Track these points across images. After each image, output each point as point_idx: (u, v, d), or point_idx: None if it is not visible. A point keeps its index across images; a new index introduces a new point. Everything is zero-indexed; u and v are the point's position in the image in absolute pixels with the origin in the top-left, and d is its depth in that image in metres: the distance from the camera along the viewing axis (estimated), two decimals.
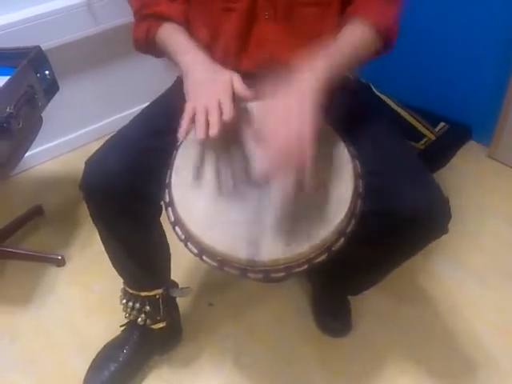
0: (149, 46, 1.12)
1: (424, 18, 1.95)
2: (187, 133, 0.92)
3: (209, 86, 0.95)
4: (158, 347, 1.37)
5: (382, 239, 1.03)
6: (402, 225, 0.98)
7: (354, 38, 1.00)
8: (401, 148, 1.11)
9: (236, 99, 0.94)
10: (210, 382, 1.35)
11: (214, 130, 0.88)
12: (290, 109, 0.86)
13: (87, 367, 1.32)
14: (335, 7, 1.07)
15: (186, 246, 0.92)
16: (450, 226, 1.01)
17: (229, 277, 1.51)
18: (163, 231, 1.20)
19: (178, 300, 1.38)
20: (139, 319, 1.27)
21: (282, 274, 0.89)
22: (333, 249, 0.90)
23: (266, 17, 1.07)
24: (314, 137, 0.83)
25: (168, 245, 1.25)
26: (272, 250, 0.87)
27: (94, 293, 1.56)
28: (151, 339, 1.33)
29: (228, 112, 0.90)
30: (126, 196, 1.02)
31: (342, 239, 0.90)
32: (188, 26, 1.09)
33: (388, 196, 0.98)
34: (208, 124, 0.89)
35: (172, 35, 1.07)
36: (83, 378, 1.30)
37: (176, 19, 1.08)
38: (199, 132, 0.89)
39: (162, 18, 1.09)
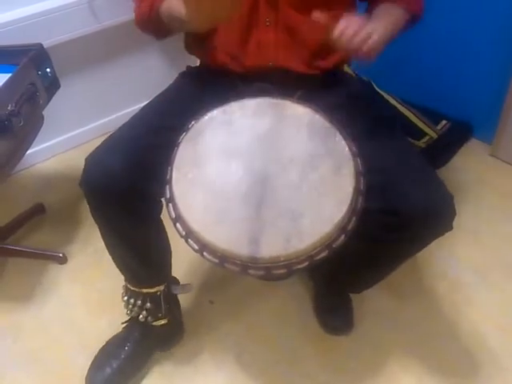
0: (152, 21, 1.09)
1: (425, 16, 1.95)
2: None
3: None
4: (159, 344, 1.37)
5: (387, 237, 1.03)
6: (407, 223, 0.97)
7: (387, 12, 1.05)
8: (404, 146, 1.11)
9: None
10: (211, 379, 1.35)
11: None
12: None
13: (89, 365, 1.32)
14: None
15: (186, 242, 0.92)
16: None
17: (230, 274, 1.53)
18: (164, 228, 1.20)
19: (180, 297, 1.38)
20: (140, 316, 1.27)
21: (282, 271, 0.89)
22: (334, 246, 0.89)
23: (267, 24, 1.07)
24: None
25: (168, 241, 1.25)
26: (273, 246, 0.87)
27: (96, 290, 1.56)
28: (152, 336, 1.33)
29: None
30: (126, 193, 1.02)
31: (343, 236, 0.90)
32: None
33: (393, 194, 0.98)
34: None
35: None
36: (85, 375, 1.30)
37: None
38: None
39: None
